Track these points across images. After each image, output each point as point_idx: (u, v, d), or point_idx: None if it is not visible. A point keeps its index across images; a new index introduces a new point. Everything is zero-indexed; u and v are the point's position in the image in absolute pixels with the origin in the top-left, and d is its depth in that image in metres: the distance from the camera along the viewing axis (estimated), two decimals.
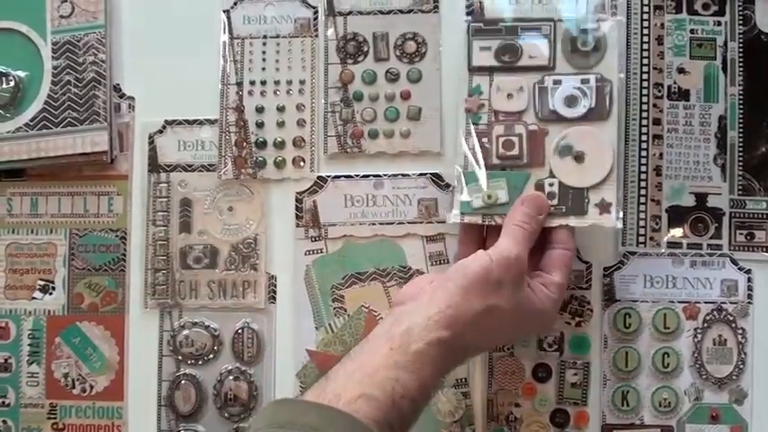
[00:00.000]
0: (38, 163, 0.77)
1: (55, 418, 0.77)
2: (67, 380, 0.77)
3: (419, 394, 0.58)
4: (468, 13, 0.72)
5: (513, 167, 0.71)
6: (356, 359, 0.59)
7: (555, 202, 0.69)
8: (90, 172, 0.78)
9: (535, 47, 0.71)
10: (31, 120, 0.76)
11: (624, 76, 0.72)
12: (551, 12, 0.71)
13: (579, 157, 0.70)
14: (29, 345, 0.78)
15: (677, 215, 0.73)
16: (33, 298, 0.78)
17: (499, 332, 0.64)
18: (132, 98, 0.77)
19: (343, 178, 0.75)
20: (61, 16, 0.77)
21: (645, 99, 0.73)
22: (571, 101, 0.70)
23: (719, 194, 0.73)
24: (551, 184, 0.70)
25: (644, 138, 0.73)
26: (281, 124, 0.76)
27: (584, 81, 0.70)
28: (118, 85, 0.77)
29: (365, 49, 0.75)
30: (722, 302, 0.72)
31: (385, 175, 0.75)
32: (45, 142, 0.76)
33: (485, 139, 0.71)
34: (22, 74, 0.77)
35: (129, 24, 0.78)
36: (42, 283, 0.78)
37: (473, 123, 0.72)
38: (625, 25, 0.73)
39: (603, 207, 0.69)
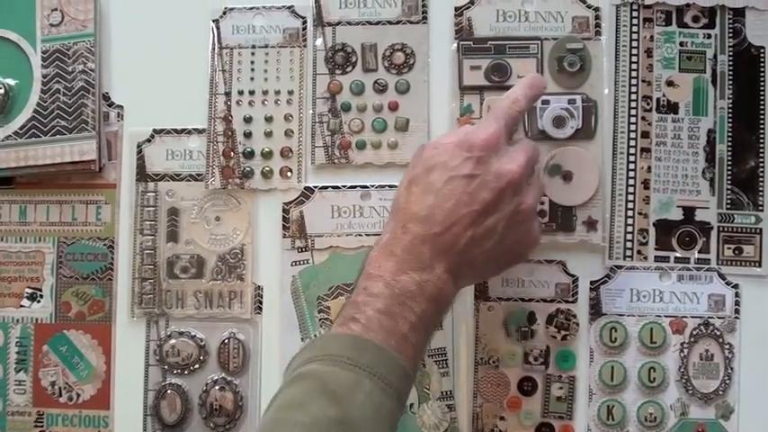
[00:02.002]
0: (26, 171, 0.77)
1: (42, 427, 0.77)
2: (54, 388, 0.77)
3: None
4: (456, 32, 0.73)
5: None
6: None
7: (545, 219, 0.73)
8: (78, 180, 0.78)
9: (523, 66, 0.73)
10: (20, 128, 0.76)
11: (609, 92, 0.73)
12: (537, 30, 0.73)
13: (567, 176, 0.72)
14: (16, 353, 0.78)
15: (665, 229, 0.73)
16: (21, 306, 0.78)
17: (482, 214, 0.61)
18: (121, 107, 0.78)
19: (330, 189, 0.75)
20: (51, 25, 0.77)
21: (633, 112, 0.73)
22: (559, 122, 0.72)
23: (708, 208, 0.73)
24: (542, 203, 0.72)
25: (632, 151, 0.73)
26: (268, 134, 0.76)
27: (571, 101, 0.72)
28: (107, 93, 0.78)
29: (353, 59, 0.75)
30: (709, 317, 0.72)
31: (372, 186, 0.74)
32: (34, 150, 0.76)
33: None
34: (11, 82, 0.77)
35: (119, 33, 0.78)
36: (30, 291, 0.78)
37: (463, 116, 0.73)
38: (613, 43, 0.73)
39: (590, 224, 0.72)
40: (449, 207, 0.60)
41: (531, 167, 0.65)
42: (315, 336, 0.74)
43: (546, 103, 0.72)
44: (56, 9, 0.77)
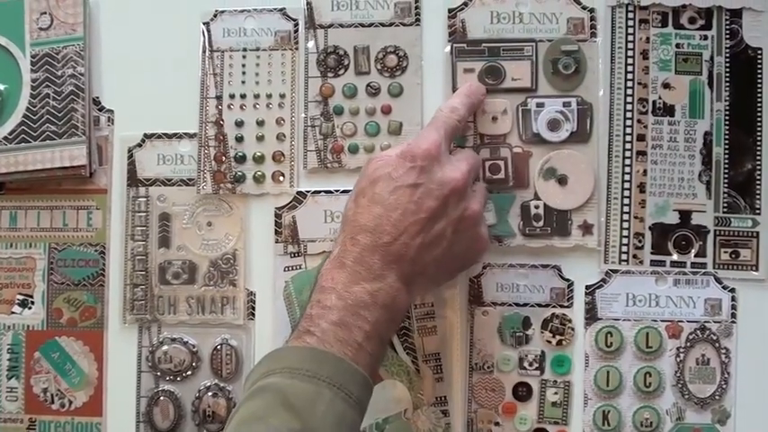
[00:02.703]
0: (16, 177, 0.76)
1: None
2: (46, 395, 0.77)
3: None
4: (450, 34, 0.72)
5: (499, 190, 0.73)
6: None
7: (541, 223, 0.72)
8: (69, 186, 0.77)
9: (518, 68, 0.72)
10: (10, 133, 0.76)
11: (605, 94, 0.72)
12: (531, 32, 0.72)
13: (562, 180, 0.72)
14: (8, 359, 0.77)
15: (661, 233, 0.72)
16: (12, 312, 0.77)
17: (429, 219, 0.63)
18: (111, 111, 0.77)
19: (322, 193, 0.74)
20: (40, 29, 0.76)
21: (629, 115, 0.72)
22: (554, 125, 0.71)
23: (704, 212, 0.72)
24: (537, 207, 0.72)
25: (628, 154, 0.72)
26: (260, 138, 0.75)
27: (566, 104, 0.71)
28: (97, 98, 0.77)
29: (346, 62, 0.74)
30: (705, 322, 0.71)
31: None
32: (24, 156, 0.76)
33: None
34: (1, 87, 0.76)
35: (109, 37, 0.77)
36: (21, 297, 0.77)
37: (459, 147, 0.72)
38: (608, 45, 0.72)
39: (586, 228, 0.72)
40: (396, 216, 0.61)
41: (474, 175, 0.67)
42: None
43: (541, 105, 0.72)
44: (45, 13, 0.76)
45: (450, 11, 0.73)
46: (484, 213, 0.68)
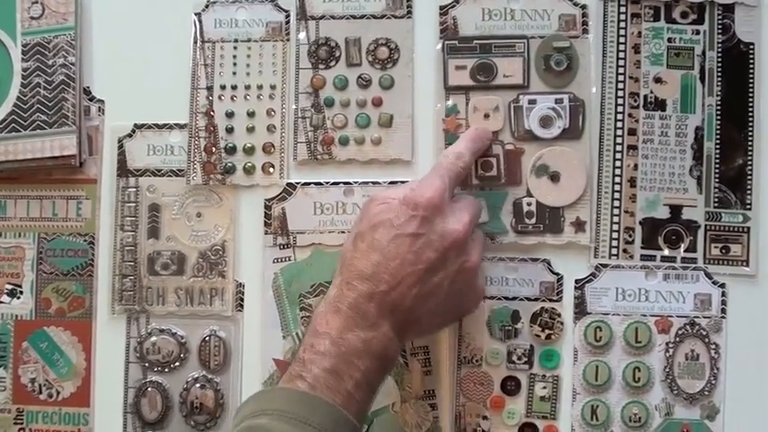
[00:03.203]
0: (6, 166, 0.76)
1: (22, 424, 0.76)
2: (34, 385, 0.77)
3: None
4: (442, 31, 0.72)
5: (492, 187, 0.72)
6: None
7: (533, 220, 0.72)
8: (59, 176, 0.77)
9: (509, 65, 0.72)
10: (0, 122, 0.75)
11: (597, 91, 0.72)
12: (523, 28, 0.72)
13: (555, 177, 0.72)
14: None
15: (651, 227, 0.72)
16: (1, 302, 0.77)
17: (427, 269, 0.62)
18: (102, 101, 0.77)
19: (312, 185, 0.74)
20: (31, 18, 0.76)
21: (620, 109, 0.72)
22: (546, 121, 0.71)
23: (695, 207, 0.72)
24: (529, 204, 0.72)
25: (618, 148, 0.72)
26: (250, 130, 0.75)
27: (558, 101, 0.71)
28: (88, 87, 0.77)
29: (337, 54, 0.74)
30: (695, 317, 0.71)
31: (355, 182, 0.74)
32: (14, 145, 0.75)
33: None
34: None
35: (100, 27, 0.77)
36: (10, 287, 0.77)
37: (451, 144, 0.72)
38: (600, 39, 0.72)
39: (579, 225, 0.72)
40: (394, 266, 0.61)
41: (475, 224, 0.66)
42: (297, 334, 0.73)
43: (533, 102, 0.72)
44: (36, 2, 0.76)
45: (441, 8, 0.73)
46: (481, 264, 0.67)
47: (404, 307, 0.61)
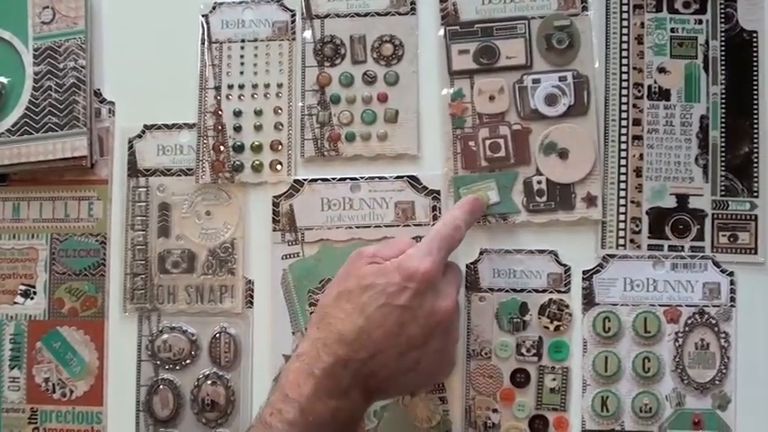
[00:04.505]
0: (19, 168, 0.77)
1: (36, 423, 0.77)
2: (48, 384, 0.77)
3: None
4: (443, 17, 0.73)
5: (501, 168, 0.73)
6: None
7: (544, 198, 0.72)
8: (71, 177, 0.78)
9: (511, 46, 0.72)
10: (13, 125, 0.77)
11: (599, 66, 0.72)
12: (523, 9, 0.72)
13: (563, 154, 0.72)
14: (10, 349, 0.78)
15: (658, 217, 0.72)
16: (15, 303, 0.78)
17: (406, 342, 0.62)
18: (112, 103, 0.78)
19: (319, 181, 0.75)
20: (42, 22, 0.78)
21: (624, 99, 0.72)
22: (551, 100, 0.72)
23: (701, 195, 0.71)
24: (539, 182, 0.72)
25: (623, 138, 0.72)
26: (258, 128, 0.76)
27: (562, 78, 0.71)
28: (98, 90, 0.78)
29: (342, 51, 0.75)
30: (704, 306, 0.71)
31: (362, 178, 0.74)
32: (26, 147, 0.77)
33: (471, 143, 0.73)
34: (4, 80, 0.78)
35: (109, 30, 0.78)
36: (24, 287, 0.78)
37: (458, 128, 0.73)
38: (602, 17, 0.72)
39: (590, 200, 0.72)
40: (377, 335, 0.60)
41: (458, 293, 0.66)
42: (305, 330, 0.73)
43: (537, 82, 0.72)
44: (47, 7, 0.78)
45: None
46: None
47: (380, 377, 0.61)
